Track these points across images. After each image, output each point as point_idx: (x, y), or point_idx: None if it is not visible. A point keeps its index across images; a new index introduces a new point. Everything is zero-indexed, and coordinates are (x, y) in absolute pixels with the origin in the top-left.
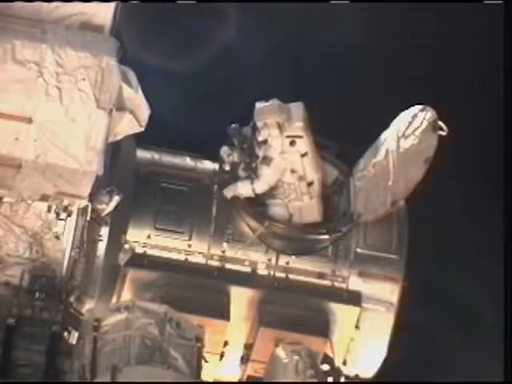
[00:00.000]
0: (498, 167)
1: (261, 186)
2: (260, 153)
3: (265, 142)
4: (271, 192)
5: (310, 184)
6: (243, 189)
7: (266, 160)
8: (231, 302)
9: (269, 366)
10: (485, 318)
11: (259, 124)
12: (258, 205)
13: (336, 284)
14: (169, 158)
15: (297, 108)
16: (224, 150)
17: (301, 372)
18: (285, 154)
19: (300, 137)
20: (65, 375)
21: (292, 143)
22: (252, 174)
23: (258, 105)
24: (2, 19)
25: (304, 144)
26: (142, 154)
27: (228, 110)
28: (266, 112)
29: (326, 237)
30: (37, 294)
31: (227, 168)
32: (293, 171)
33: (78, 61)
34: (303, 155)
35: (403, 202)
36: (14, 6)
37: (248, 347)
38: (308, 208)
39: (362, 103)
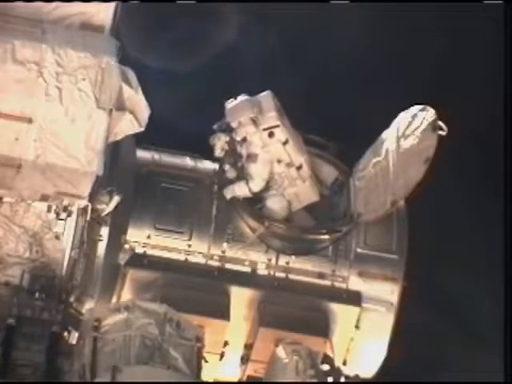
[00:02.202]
0: (497, 167)
1: (257, 184)
2: (242, 151)
3: (244, 139)
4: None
5: (299, 168)
6: (240, 190)
7: (252, 157)
8: (231, 301)
9: (269, 366)
10: (485, 318)
11: (234, 124)
12: (255, 200)
13: (336, 284)
14: (169, 158)
15: (266, 98)
16: (217, 136)
17: (301, 372)
18: (267, 147)
19: (276, 126)
20: (65, 375)
21: (270, 134)
22: (242, 174)
23: (228, 105)
24: (2, 19)
25: (282, 132)
26: (142, 154)
27: None
28: (238, 111)
29: (326, 237)
30: (37, 294)
31: (227, 168)
32: (279, 161)
33: (78, 61)
34: (285, 143)
35: (403, 202)
36: (14, 6)
37: (248, 347)
38: (303, 191)
39: (362, 103)
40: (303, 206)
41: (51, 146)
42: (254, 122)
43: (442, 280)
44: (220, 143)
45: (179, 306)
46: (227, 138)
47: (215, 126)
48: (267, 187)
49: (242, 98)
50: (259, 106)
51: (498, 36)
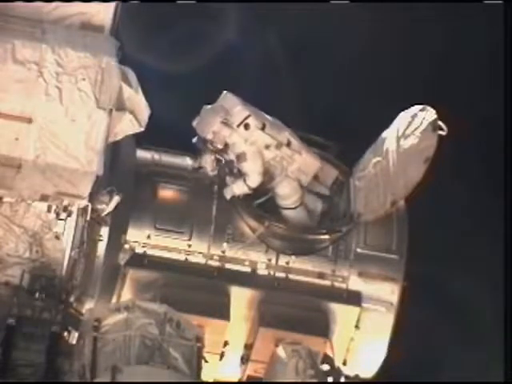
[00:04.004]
0: (498, 167)
1: (254, 180)
2: (230, 156)
3: (226, 145)
4: (267, 176)
5: (288, 144)
6: (239, 189)
7: (241, 157)
8: (231, 302)
9: (269, 366)
10: (485, 318)
11: (209, 137)
12: (263, 193)
13: (336, 284)
14: (169, 158)
15: (225, 98)
16: (208, 162)
17: (301, 372)
18: (249, 140)
19: (248, 116)
20: (65, 375)
21: (246, 126)
22: (239, 176)
23: (194, 123)
24: (2, 19)
25: (255, 119)
26: (142, 154)
27: None
28: (206, 122)
29: (326, 237)
30: (37, 294)
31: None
32: (267, 146)
33: (78, 61)
34: (263, 128)
35: (403, 202)
36: (14, 6)
37: (248, 347)
38: (304, 163)
39: (362, 103)
40: (311, 177)
41: (51, 145)
42: (226, 124)
43: (442, 280)
44: (209, 163)
45: (179, 306)
46: (212, 156)
47: (195, 141)
48: (271, 177)
49: (203, 109)
50: (223, 108)
51: (498, 36)
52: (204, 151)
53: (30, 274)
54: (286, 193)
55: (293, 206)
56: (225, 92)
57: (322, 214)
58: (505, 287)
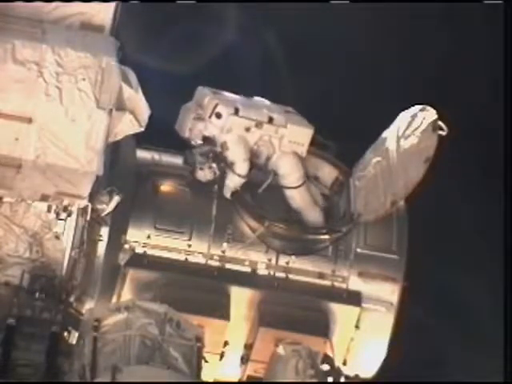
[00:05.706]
0: (497, 167)
1: (241, 167)
2: (218, 149)
3: (205, 139)
4: (260, 159)
5: (270, 121)
6: (232, 181)
7: (223, 147)
8: (231, 302)
9: (269, 366)
10: (485, 318)
11: (187, 135)
12: (266, 175)
13: (336, 284)
14: (169, 158)
15: (198, 94)
16: (203, 174)
17: (301, 372)
18: (225, 128)
19: (216, 105)
20: (65, 375)
21: (218, 116)
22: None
23: (176, 127)
24: (2, 19)
25: (225, 106)
26: (142, 154)
27: None
28: (181, 122)
29: (326, 237)
30: (37, 294)
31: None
32: (247, 129)
33: (78, 61)
34: (236, 112)
35: (403, 202)
36: (14, 6)
37: (248, 347)
38: (293, 134)
39: (362, 103)
40: (306, 146)
41: (51, 145)
42: (199, 118)
43: (442, 280)
44: (206, 174)
45: (179, 305)
46: (201, 160)
47: (184, 161)
48: (266, 159)
49: (181, 110)
50: (196, 103)
51: (498, 36)
52: (194, 167)
53: (29, 274)
54: (287, 170)
55: (296, 185)
56: (199, 87)
57: (324, 211)
58: (505, 287)
